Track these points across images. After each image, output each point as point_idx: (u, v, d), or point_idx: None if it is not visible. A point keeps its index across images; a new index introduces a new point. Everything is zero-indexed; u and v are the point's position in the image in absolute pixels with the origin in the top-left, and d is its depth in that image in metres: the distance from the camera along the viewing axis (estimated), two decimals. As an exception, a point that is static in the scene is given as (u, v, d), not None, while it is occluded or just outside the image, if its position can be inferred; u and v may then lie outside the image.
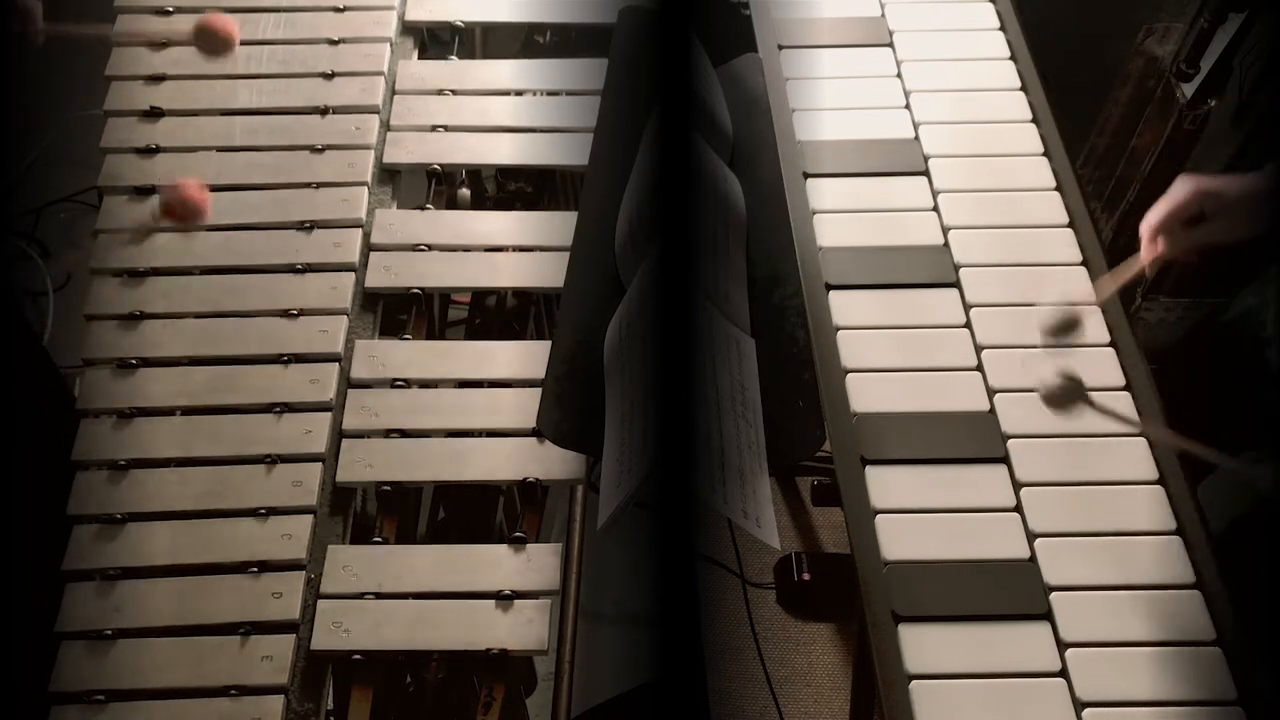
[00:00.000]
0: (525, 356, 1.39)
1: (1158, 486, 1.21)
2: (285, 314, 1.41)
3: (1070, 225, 1.44)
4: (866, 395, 1.29)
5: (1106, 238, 2.09)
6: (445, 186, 1.61)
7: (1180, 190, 1.27)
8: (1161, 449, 1.23)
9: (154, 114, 1.58)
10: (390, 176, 1.57)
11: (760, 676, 1.89)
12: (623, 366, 1.23)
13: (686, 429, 1.12)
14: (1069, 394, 1.19)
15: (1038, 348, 1.29)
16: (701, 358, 1.19)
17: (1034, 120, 1.56)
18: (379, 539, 1.27)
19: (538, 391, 1.30)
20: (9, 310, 1.59)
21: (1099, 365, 1.31)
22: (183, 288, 1.43)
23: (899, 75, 1.61)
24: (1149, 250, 1.28)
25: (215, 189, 1.51)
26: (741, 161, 1.49)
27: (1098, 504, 1.20)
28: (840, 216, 1.45)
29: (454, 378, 1.39)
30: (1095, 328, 1.34)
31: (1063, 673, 1.09)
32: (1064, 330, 1.27)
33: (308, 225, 1.48)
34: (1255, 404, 1.48)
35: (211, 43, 1.47)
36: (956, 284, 1.38)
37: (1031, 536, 1.18)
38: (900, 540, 1.18)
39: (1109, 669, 1.09)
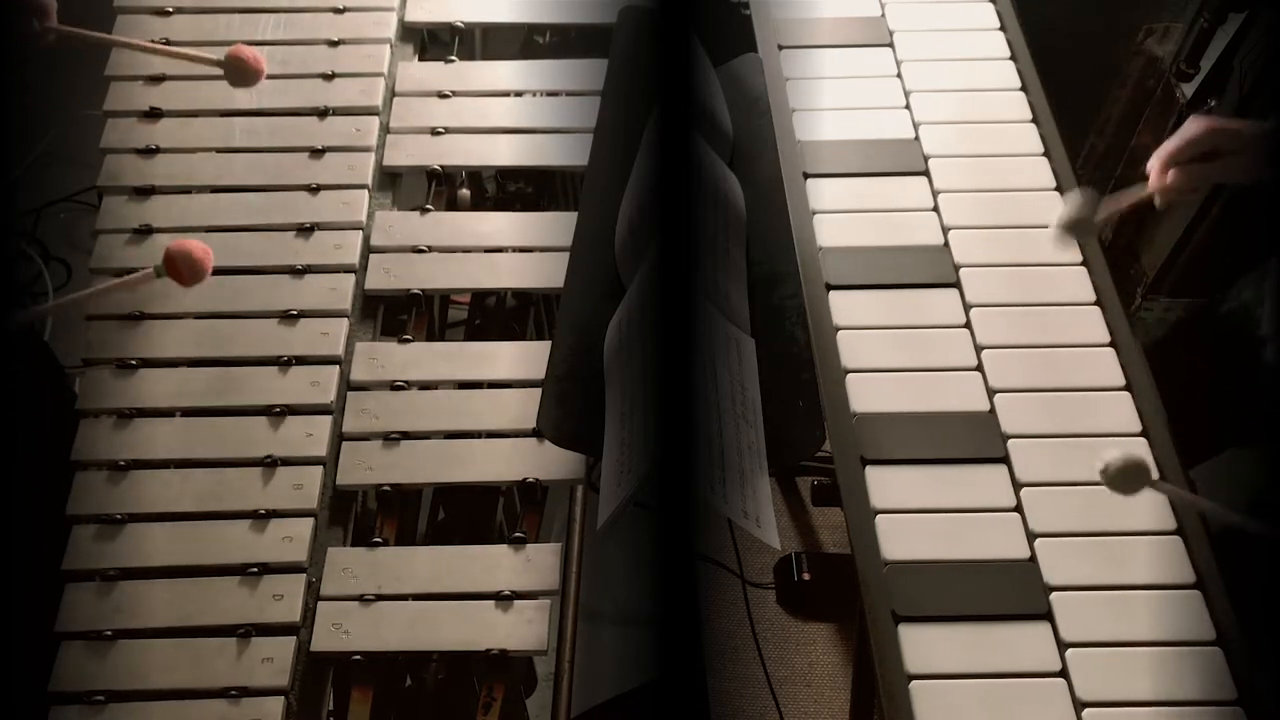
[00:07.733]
0: (525, 357, 1.39)
1: (1158, 486, 1.21)
2: (285, 316, 1.41)
3: (1070, 225, 1.44)
4: (866, 395, 1.29)
5: (1106, 238, 2.08)
6: (445, 188, 1.61)
7: (1194, 126, 1.26)
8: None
9: (154, 114, 1.58)
10: (390, 179, 1.57)
11: (760, 676, 1.89)
12: (623, 366, 1.23)
13: (686, 429, 1.12)
14: (1133, 473, 1.10)
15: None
16: (701, 358, 1.19)
17: (1034, 120, 1.56)
18: (379, 540, 1.27)
19: (538, 392, 1.29)
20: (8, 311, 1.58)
21: (1099, 365, 1.31)
22: (183, 289, 1.43)
23: (899, 75, 1.61)
24: (1158, 181, 1.28)
25: (215, 190, 1.52)
26: (741, 161, 1.49)
27: (1098, 504, 1.20)
28: (840, 216, 1.45)
29: (454, 379, 1.39)
30: (1095, 328, 1.34)
31: (1063, 673, 1.09)
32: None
33: (308, 227, 1.48)
34: (1252, 398, 1.48)
35: (241, 74, 1.46)
36: (956, 284, 1.38)
37: (1031, 536, 1.18)
38: (900, 540, 1.18)
39: (1109, 669, 1.09)
